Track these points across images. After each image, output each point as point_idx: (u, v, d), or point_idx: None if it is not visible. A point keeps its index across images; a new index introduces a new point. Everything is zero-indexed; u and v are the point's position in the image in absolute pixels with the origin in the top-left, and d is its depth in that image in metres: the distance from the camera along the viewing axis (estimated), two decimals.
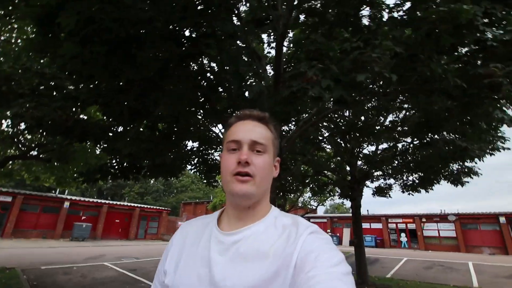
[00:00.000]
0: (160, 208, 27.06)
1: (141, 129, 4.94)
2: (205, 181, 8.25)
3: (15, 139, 7.63)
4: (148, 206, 26.07)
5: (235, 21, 4.49)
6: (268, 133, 0.74)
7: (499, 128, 5.90)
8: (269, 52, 7.49)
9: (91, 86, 4.17)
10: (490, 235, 20.00)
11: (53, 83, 4.18)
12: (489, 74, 3.12)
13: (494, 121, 4.27)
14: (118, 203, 24.03)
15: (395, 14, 3.69)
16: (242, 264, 0.60)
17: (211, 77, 3.42)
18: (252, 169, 0.66)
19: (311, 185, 11.46)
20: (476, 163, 8.01)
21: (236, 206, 0.70)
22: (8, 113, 4.31)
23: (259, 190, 0.67)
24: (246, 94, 3.91)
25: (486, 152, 6.56)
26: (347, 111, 8.13)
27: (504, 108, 4.49)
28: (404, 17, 3.40)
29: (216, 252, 0.65)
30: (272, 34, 5.87)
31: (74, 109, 5.11)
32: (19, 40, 5.82)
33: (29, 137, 8.25)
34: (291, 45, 6.31)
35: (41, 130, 4.23)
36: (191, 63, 3.23)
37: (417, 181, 9.39)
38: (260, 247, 0.62)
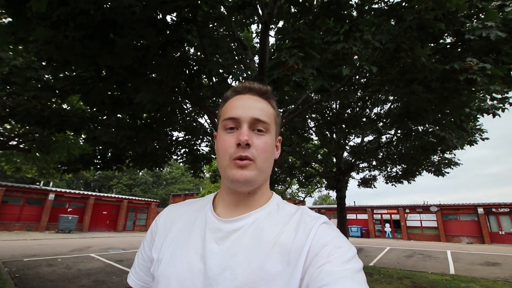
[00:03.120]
0: (149, 200, 26.93)
1: (122, 117, 4.80)
2: (191, 171, 8.21)
3: None
4: (137, 198, 25.86)
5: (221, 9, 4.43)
6: (271, 109, 0.65)
7: (477, 119, 6.13)
8: (257, 43, 7.45)
9: (70, 74, 4.04)
10: (468, 225, 20.97)
11: (28, 75, 3.98)
12: (465, 69, 3.21)
13: (470, 113, 4.40)
14: (105, 195, 23.70)
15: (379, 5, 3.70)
16: (244, 254, 0.53)
17: (193, 64, 3.36)
18: (252, 152, 0.57)
19: (298, 177, 11.64)
20: (455, 154, 8.33)
21: (234, 192, 0.62)
22: None
23: (261, 175, 0.60)
24: (229, 81, 3.89)
25: (465, 142, 6.82)
26: (334, 103, 8.23)
27: (482, 98, 4.65)
28: (386, 7, 3.42)
29: (213, 241, 0.57)
30: (257, 22, 5.81)
31: (54, 99, 4.93)
32: None
33: (8, 126, 7.98)
34: (279, 35, 6.28)
35: (14, 121, 4.08)
36: (172, 51, 3.17)
37: (400, 173, 9.70)
38: (264, 236, 0.56)
